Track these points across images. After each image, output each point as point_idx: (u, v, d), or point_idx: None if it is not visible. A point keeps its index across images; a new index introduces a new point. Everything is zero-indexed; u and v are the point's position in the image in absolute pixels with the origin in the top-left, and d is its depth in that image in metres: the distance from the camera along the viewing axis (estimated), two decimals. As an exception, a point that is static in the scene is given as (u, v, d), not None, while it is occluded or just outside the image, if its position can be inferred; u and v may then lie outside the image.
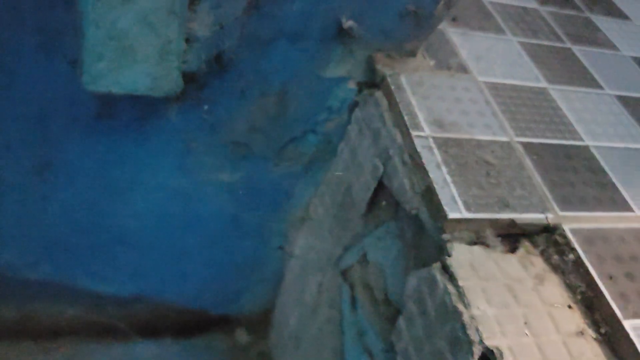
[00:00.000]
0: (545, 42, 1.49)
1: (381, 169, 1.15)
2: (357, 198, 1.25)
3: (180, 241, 1.51)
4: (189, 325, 1.84)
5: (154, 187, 1.31)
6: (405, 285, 1.05)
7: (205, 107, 1.18)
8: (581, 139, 1.20)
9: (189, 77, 1.04)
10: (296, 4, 1.05)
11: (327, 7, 1.08)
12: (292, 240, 1.61)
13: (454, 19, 1.44)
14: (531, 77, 1.34)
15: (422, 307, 0.99)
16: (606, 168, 1.14)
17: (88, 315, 1.75)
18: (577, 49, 1.50)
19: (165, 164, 1.27)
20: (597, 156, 1.16)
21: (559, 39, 1.52)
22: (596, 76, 1.41)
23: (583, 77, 1.40)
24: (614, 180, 1.12)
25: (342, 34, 1.15)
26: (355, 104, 1.26)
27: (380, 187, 1.18)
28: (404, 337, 1.04)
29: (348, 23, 1.12)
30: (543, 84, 1.33)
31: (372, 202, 1.22)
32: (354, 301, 1.31)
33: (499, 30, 1.47)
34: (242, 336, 1.88)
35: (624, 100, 1.36)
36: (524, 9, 1.62)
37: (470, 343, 0.85)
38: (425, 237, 1.06)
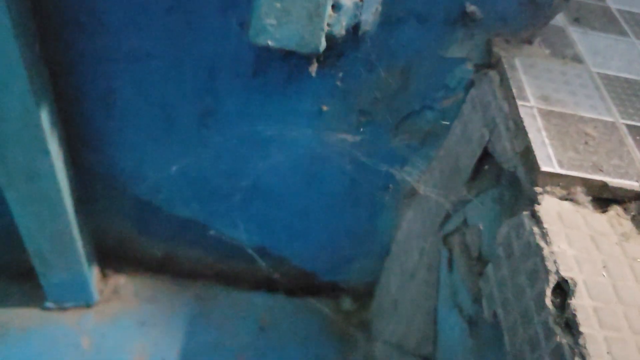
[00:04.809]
0: (671, 48, 1.53)
1: (487, 137, 1.28)
2: (462, 166, 1.38)
3: (303, 199, 1.73)
4: (301, 285, 2.06)
5: (288, 143, 1.55)
6: (497, 235, 1.16)
7: (340, 74, 1.40)
8: (692, 129, 1.23)
9: (330, 42, 1.26)
10: (426, -13, 1.24)
11: (453, -8, 1.26)
12: (401, 214, 1.77)
13: (576, 19, 1.53)
14: (649, 74, 1.40)
15: (509, 250, 1.10)
16: None
17: (218, 262, 2.03)
18: None
19: (300, 123, 1.50)
20: None
21: (687, 45, 1.54)
22: None
23: None
24: None
25: (464, 18, 1.31)
26: (471, 84, 1.41)
27: (485, 156, 1.31)
28: (491, 281, 1.16)
29: (471, 8, 1.29)
30: (661, 81, 1.38)
31: (477, 170, 1.35)
32: (450, 263, 1.44)
33: (622, 33, 1.54)
34: (346, 304, 2.05)
35: None
36: (654, 18, 1.66)
37: (547, 273, 0.95)
38: (521, 198, 1.17)
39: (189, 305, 1.96)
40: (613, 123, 1.21)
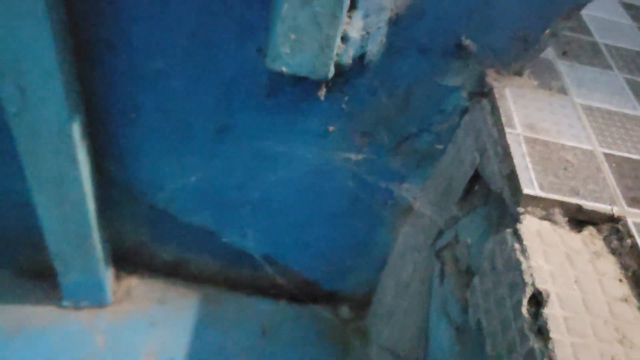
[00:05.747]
0: (652, 81, 1.65)
1: (478, 160, 1.40)
2: (455, 186, 1.51)
3: (308, 212, 1.85)
4: (302, 293, 2.17)
5: (296, 159, 1.67)
6: (483, 250, 1.28)
7: (346, 98, 1.53)
8: (665, 159, 1.35)
9: (338, 69, 1.39)
10: (425, 22, 1.37)
11: (450, 27, 1.38)
12: (398, 229, 1.89)
13: (564, 53, 1.66)
14: (629, 106, 1.52)
15: (493, 264, 1.22)
16: (683, 184, 1.29)
17: (225, 268, 2.14)
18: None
19: (307, 141, 1.63)
20: (677, 174, 1.32)
21: (667, 80, 1.67)
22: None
23: (683, 113, 1.53)
24: (688, 194, 1.26)
25: (460, 50, 1.43)
26: (465, 110, 1.54)
27: (476, 177, 1.43)
28: (476, 292, 1.27)
29: (466, 41, 1.42)
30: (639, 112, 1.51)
31: (468, 191, 1.47)
32: (442, 276, 1.55)
33: (606, 66, 1.66)
34: (344, 312, 2.16)
35: None
36: (639, 53, 1.79)
37: (524, 285, 1.07)
38: (505, 217, 1.29)
39: (197, 308, 2.07)
40: (592, 151, 1.33)
